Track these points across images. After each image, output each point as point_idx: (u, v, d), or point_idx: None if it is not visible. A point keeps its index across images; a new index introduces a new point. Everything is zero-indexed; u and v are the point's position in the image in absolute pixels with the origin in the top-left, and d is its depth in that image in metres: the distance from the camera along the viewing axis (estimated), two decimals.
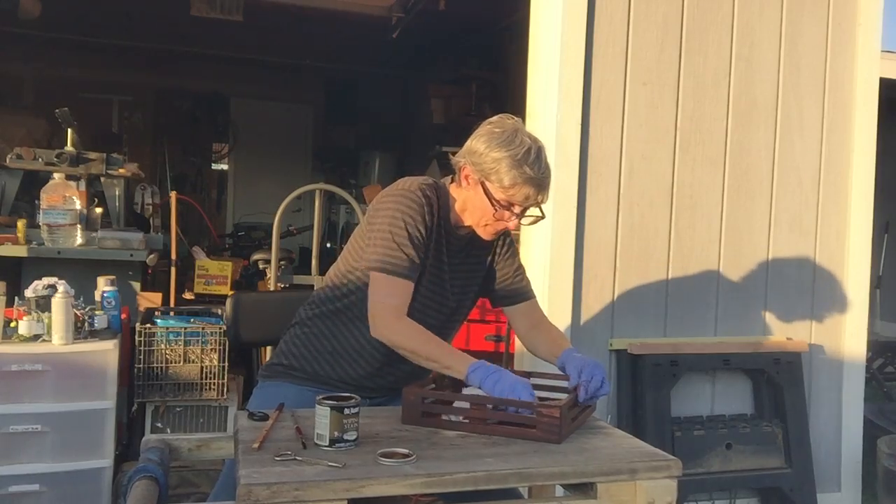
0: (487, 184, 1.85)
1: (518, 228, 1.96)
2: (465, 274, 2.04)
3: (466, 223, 1.95)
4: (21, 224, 3.47)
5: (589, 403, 1.84)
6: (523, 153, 1.82)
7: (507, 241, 2.09)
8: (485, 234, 1.94)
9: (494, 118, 1.92)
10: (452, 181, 1.98)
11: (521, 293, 2.10)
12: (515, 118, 1.92)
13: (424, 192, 1.90)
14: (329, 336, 2.00)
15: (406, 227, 1.85)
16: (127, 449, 3.13)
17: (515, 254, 2.12)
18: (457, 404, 1.77)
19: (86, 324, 2.83)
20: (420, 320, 1.89)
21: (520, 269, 2.11)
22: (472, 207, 1.92)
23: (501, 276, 2.08)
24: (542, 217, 1.94)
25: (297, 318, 2.09)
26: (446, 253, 1.97)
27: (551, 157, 2.87)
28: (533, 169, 1.82)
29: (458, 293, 2.03)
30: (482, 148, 1.85)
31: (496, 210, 1.87)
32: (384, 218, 1.88)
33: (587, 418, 1.83)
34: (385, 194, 1.94)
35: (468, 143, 1.90)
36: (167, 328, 3.15)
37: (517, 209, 1.87)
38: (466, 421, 1.73)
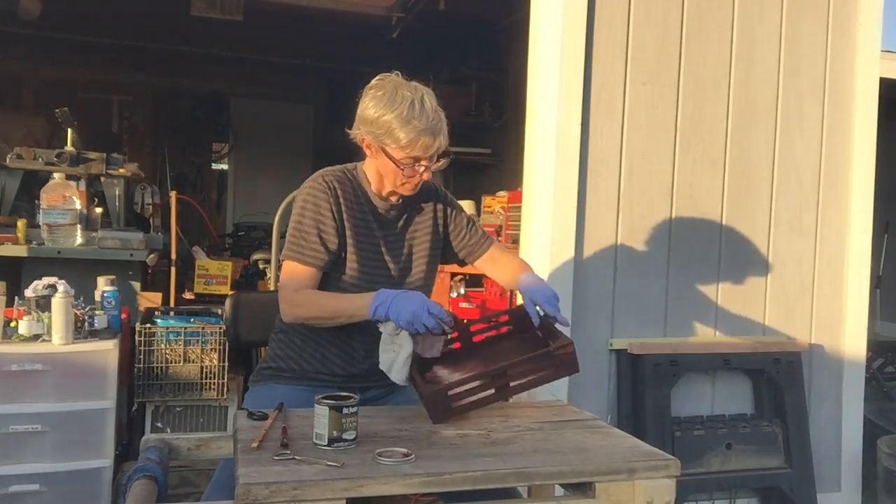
0: (387, 148, 1.92)
1: (430, 175, 2.00)
2: (410, 240, 2.10)
3: (387, 189, 2.03)
4: (21, 224, 3.47)
5: (549, 320, 1.92)
6: (408, 108, 1.87)
7: (448, 200, 2.18)
8: (405, 190, 2.01)
9: (374, 81, 1.98)
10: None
11: (481, 243, 2.20)
12: (393, 74, 1.97)
13: (326, 180, 2.00)
14: (308, 332, 2.04)
15: (309, 216, 1.96)
16: (127, 449, 3.13)
17: (460, 210, 2.21)
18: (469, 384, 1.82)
19: (86, 324, 2.84)
20: (370, 289, 1.93)
21: (471, 222, 2.20)
22: (384, 172, 1.99)
23: (457, 235, 2.17)
24: (450, 157, 2.02)
25: (277, 327, 2.15)
26: (378, 226, 2.04)
27: (551, 156, 2.91)
28: (421, 120, 1.87)
29: (403, 259, 2.08)
30: (371, 115, 1.92)
31: (403, 169, 1.93)
32: (294, 212, 2.01)
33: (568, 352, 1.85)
34: (299, 190, 2.06)
35: (358, 112, 1.97)
36: (167, 328, 3.15)
37: (424, 161, 1.93)
38: (491, 392, 1.79)
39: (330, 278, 2.01)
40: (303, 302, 1.94)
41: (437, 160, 1.96)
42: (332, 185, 2.00)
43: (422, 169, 1.94)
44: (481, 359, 1.91)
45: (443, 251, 2.18)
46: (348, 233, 2.00)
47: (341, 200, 2.00)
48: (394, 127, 1.88)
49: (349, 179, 2.04)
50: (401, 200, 2.07)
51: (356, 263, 2.00)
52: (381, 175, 2.01)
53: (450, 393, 1.78)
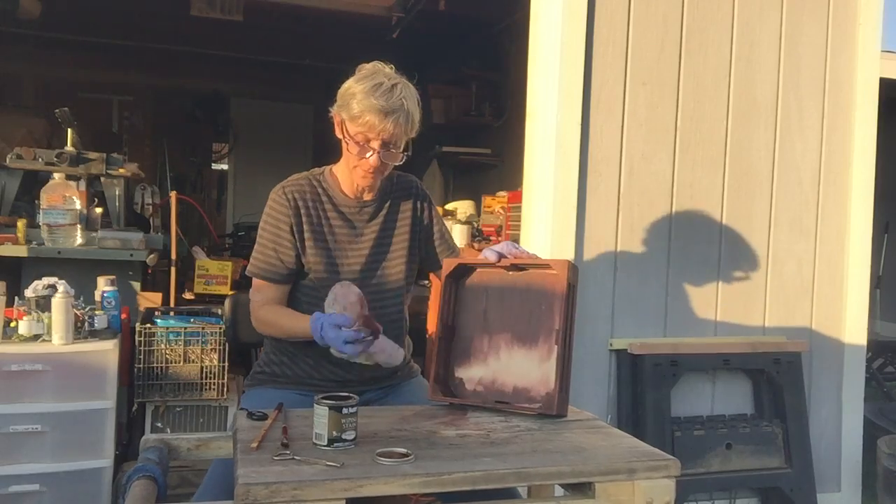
0: (343, 117, 1.95)
1: (381, 166, 1.99)
2: (387, 238, 2.10)
3: (346, 180, 2.05)
4: (21, 224, 3.47)
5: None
6: (373, 86, 1.91)
7: (429, 201, 2.19)
8: (356, 177, 2.02)
9: (366, 64, 2.01)
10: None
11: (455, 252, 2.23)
12: (385, 64, 2.00)
13: (286, 192, 2.04)
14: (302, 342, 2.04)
15: (268, 232, 2.03)
16: (127, 449, 3.13)
17: (439, 217, 2.22)
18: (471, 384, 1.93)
19: (86, 324, 2.83)
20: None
21: (445, 233, 2.22)
22: (343, 156, 2.02)
23: (428, 242, 2.18)
24: (405, 156, 2.01)
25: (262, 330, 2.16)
26: (348, 228, 2.06)
27: (551, 156, 2.91)
28: (380, 99, 1.89)
29: (379, 259, 2.08)
30: (344, 86, 1.96)
31: (348, 145, 1.96)
32: (259, 225, 2.08)
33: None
34: None
35: None
36: (167, 328, 3.15)
37: (374, 144, 1.93)
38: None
39: (298, 284, 2.07)
40: (264, 321, 2.04)
41: (390, 150, 1.96)
42: (292, 197, 2.03)
43: (369, 154, 1.94)
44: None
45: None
46: (308, 243, 2.03)
47: (301, 211, 2.03)
48: (353, 97, 1.91)
49: (314, 185, 2.07)
50: (376, 198, 2.07)
51: (322, 268, 2.03)
52: (344, 164, 2.03)
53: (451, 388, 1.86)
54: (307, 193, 2.05)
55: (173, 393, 3.15)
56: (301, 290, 2.07)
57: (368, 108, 1.89)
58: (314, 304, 2.02)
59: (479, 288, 1.98)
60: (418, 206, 2.16)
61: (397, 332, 2.13)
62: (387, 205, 2.11)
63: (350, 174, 2.03)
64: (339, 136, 2.00)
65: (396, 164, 2.01)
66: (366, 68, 1.98)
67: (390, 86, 1.92)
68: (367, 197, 2.07)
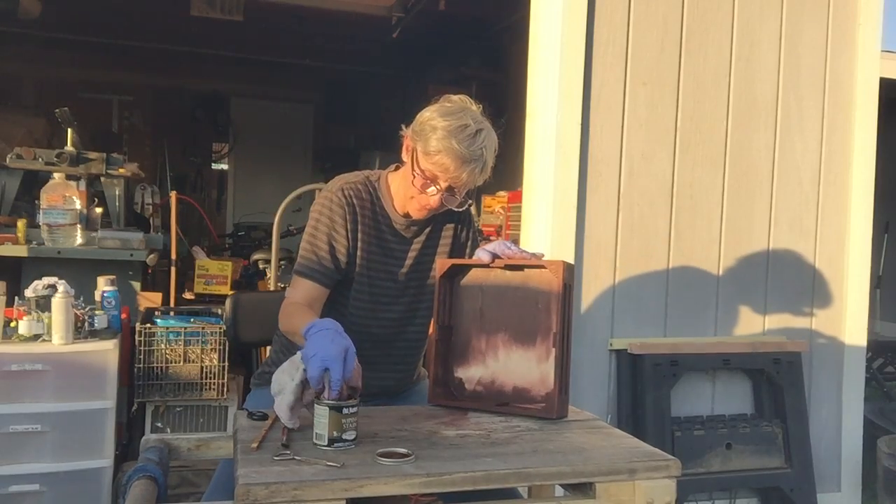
0: (417, 148, 1.87)
1: (439, 207, 1.93)
2: (429, 258, 2.06)
3: (402, 205, 1.99)
4: (21, 224, 3.47)
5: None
6: (459, 126, 1.82)
7: (474, 228, 2.15)
8: (411, 208, 1.96)
9: (454, 96, 1.93)
10: (397, 169, 2.02)
11: None
12: (475, 102, 1.93)
13: (346, 194, 1.95)
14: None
15: (322, 230, 1.94)
16: (127, 449, 3.13)
17: (475, 243, 2.16)
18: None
19: (86, 324, 2.84)
20: (375, 306, 1.99)
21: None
22: (403, 179, 1.95)
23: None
24: (469, 204, 1.97)
25: (280, 330, 2.10)
26: (395, 242, 2.02)
27: (551, 156, 2.91)
28: (462, 144, 1.81)
29: (419, 278, 2.06)
30: (426, 115, 1.87)
31: (415, 177, 1.88)
32: (309, 223, 1.98)
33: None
34: (318, 196, 2.01)
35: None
36: (167, 328, 3.15)
37: (441, 183, 1.87)
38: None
39: (338, 295, 1.99)
40: (283, 314, 1.91)
41: (454, 194, 1.89)
42: (351, 202, 1.95)
43: (432, 190, 1.88)
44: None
45: None
46: (360, 252, 1.97)
47: (358, 217, 1.96)
48: (433, 131, 1.83)
49: (369, 192, 2.00)
50: (422, 218, 2.02)
51: (366, 279, 1.98)
52: (402, 188, 1.97)
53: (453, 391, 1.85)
54: (365, 199, 1.98)
55: (173, 393, 3.15)
56: (340, 306, 2.01)
57: (447, 149, 1.81)
58: (337, 310, 1.98)
59: (474, 287, 1.97)
60: (459, 228, 2.11)
61: (414, 354, 2.12)
62: (432, 224, 2.06)
63: (405, 199, 1.96)
64: (406, 160, 1.93)
65: (455, 209, 1.94)
66: (453, 101, 1.89)
67: (475, 131, 1.83)
68: (414, 216, 2.02)
